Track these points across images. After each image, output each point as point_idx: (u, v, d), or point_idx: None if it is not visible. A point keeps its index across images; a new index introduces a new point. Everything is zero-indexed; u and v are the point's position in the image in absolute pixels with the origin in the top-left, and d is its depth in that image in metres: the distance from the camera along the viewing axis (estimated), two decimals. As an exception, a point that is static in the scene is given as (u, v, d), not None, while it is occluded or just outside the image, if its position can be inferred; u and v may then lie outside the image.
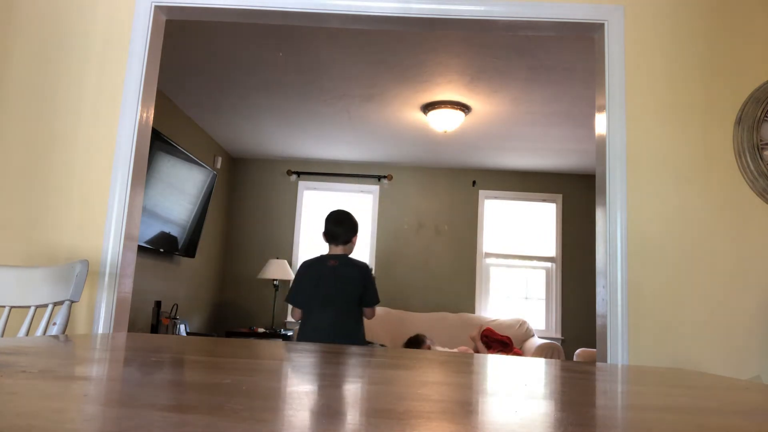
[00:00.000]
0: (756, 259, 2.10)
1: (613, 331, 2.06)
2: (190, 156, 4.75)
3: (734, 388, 0.84)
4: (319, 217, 6.32)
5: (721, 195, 2.13)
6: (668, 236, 2.12)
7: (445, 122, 4.44)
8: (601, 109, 2.24)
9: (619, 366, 1.40)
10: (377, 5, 2.24)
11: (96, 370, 0.72)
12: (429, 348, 5.28)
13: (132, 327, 4.20)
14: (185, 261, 5.22)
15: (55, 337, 1.28)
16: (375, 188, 6.38)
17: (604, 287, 2.13)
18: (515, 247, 6.30)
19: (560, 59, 3.51)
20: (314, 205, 6.41)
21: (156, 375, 0.69)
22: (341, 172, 6.37)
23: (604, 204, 2.15)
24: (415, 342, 5.33)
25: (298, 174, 6.36)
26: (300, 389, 0.66)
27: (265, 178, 6.42)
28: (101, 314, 2.08)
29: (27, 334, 1.50)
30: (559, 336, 6.02)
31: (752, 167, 2.11)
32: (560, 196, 6.30)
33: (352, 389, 0.67)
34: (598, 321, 2.18)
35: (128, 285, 2.21)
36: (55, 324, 1.51)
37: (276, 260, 5.79)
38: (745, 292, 2.08)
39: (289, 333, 5.56)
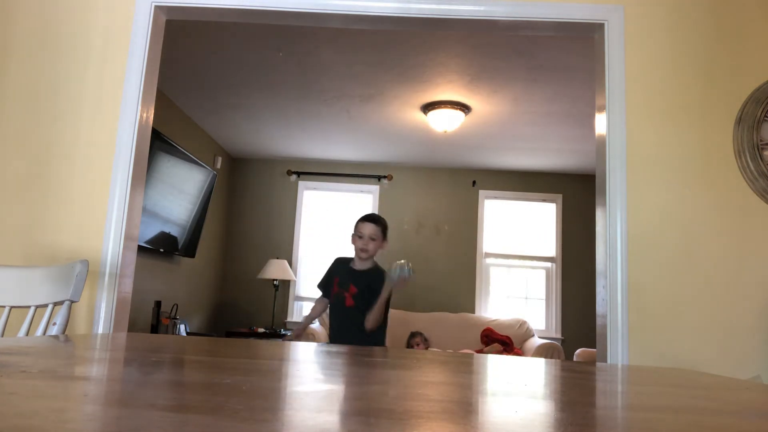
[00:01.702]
0: (756, 259, 2.10)
1: (613, 331, 2.06)
2: (190, 156, 4.75)
3: (734, 388, 0.84)
4: (319, 217, 6.32)
5: (721, 195, 2.13)
6: (668, 236, 2.12)
7: (445, 122, 4.44)
8: (601, 109, 2.23)
9: (619, 366, 1.40)
10: (377, 5, 2.24)
11: (96, 370, 0.72)
12: (419, 344, 5.28)
13: (132, 327, 4.20)
14: (185, 261, 5.22)
15: (55, 337, 1.28)
16: (375, 188, 6.37)
17: (604, 287, 2.13)
18: (515, 247, 6.29)
19: (560, 59, 3.51)
20: (314, 205, 6.41)
21: (156, 375, 0.69)
22: (341, 172, 6.37)
23: (604, 204, 2.15)
24: (409, 338, 5.36)
25: (298, 174, 6.36)
26: (300, 389, 0.66)
27: (265, 178, 6.42)
28: (101, 314, 2.08)
29: (27, 334, 1.50)
30: (559, 336, 6.02)
31: (752, 167, 2.11)
32: (560, 196, 6.30)
33: (352, 389, 0.67)
34: (598, 321, 2.18)
35: (128, 285, 2.21)
36: (55, 324, 1.51)
37: (276, 260, 5.79)
38: (745, 292, 2.08)
39: (289, 333, 5.56)
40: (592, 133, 5.06)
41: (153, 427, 0.39)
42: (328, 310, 2.79)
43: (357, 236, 2.65)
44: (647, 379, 0.98)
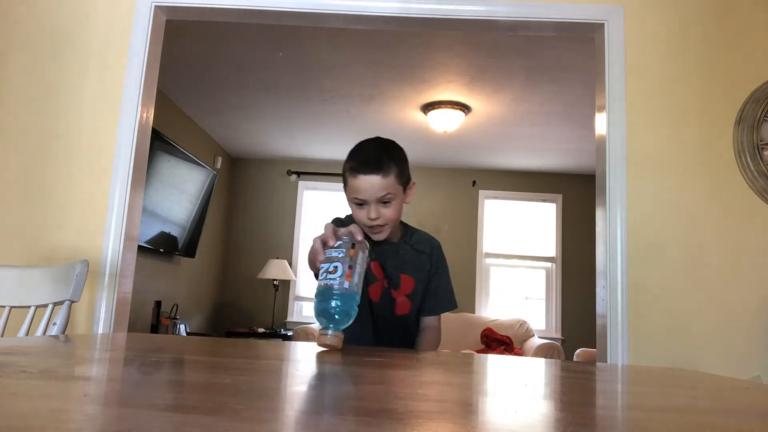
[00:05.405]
0: (756, 259, 2.10)
1: (613, 331, 2.06)
2: (190, 156, 4.75)
3: (734, 388, 0.84)
4: (319, 217, 6.31)
5: (721, 195, 2.13)
6: (668, 236, 2.12)
7: (445, 122, 4.44)
8: (601, 109, 2.23)
9: (619, 366, 1.40)
10: (377, 5, 2.24)
11: (96, 370, 0.72)
12: None
13: (132, 327, 4.20)
14: (185, 261, 5.21)
15: (55, 337, 1.28)
16: (375, 188, 6.37)
17: (604, 287, 2.12)
18: (515, 247, 6.29)
19: (560, 59, 3.51)
20: (314, 205, 6.41)
21: (156, 375, 0.69)
22: (341, 172, 6.36)
23: (604, 204, 2.15)
24: None
25: (298, 174, 6.35)
26: (300, 389, 0.66)
27: (265, 178, 6.42)
28: (101, 314, 2.08)
29: (27, 334, 1.50)
30: (559, 336, 6.02)
31: (752, 167, 2.11)
32: (560, 196, 6.30)
33: (352, 389, 0.67)
34: (598, 321, 2.17)
35: (128, 285, 2.21)
36: (55, 324, 1.50)
37: (276, 260, 5.78)
38: (745, 292, 2.08)
39: (290, 333, 5.56)
40: (592, 133, 5.04)
41: (153, 427, 0.39)
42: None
43: (355, 204, 1.44)
44: (647, 379, 0.98)
